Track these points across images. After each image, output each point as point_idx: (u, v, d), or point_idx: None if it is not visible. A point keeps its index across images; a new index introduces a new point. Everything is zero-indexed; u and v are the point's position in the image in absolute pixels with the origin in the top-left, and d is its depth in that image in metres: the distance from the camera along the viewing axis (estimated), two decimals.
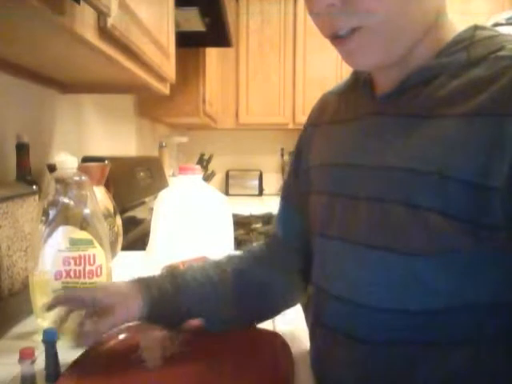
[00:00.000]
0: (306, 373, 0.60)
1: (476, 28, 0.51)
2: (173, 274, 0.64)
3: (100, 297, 0.59)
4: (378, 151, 0.52)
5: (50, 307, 0.59)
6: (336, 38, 0.50)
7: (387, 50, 0.50)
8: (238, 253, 0.71)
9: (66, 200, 0.68)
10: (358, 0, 0.46)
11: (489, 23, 1.76)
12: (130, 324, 0.62)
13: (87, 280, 0.69)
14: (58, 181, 0.68)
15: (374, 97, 0.57)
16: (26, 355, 0.52)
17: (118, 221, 1.10)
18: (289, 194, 0.73)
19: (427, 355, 0.48)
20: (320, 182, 0.62)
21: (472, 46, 0.49)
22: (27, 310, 0.71)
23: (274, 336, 0.65)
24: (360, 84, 0.61)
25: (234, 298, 0.63)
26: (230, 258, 0.69)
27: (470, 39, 0.50)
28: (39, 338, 0.57)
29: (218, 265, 0.66)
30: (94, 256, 0.69)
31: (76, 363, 0.58)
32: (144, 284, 0.61)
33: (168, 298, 0.60)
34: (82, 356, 0.59)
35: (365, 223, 0.52)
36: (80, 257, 0.68)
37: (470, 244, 0.45)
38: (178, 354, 0.60)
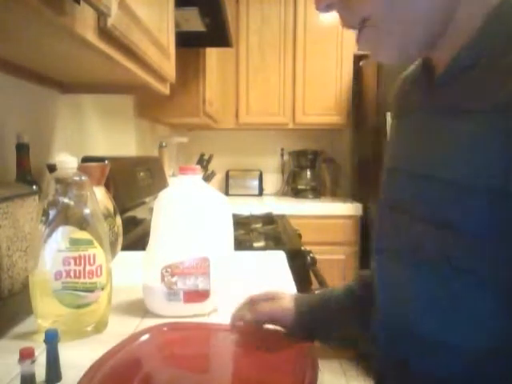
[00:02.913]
0: None
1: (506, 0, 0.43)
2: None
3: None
4: (413, 155, 0.48)
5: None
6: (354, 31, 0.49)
7: (401, 45, 0.47)
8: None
9: (66, 200, 0.68)
10: (352, 3, 0.46)
11: None
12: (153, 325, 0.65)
13: (87, 280, 0.69)
14: (58, 181, 0.68)
15: (431, 85, 0.50)
16: (26, 355, 0.52)
17: (118, 221, 1.10)
18: None
19: None
20: (380, 189, 0.58)
21: (503, 24, 0.42)
22: (27, 310, 0.71)
23: (303, 347, 0.64)
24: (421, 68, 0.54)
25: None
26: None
27: (501, 15, 0.42)
28: (39, 338, 0.57)
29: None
30: (94, 256, 0.69)
31: (93, 366, 0.57)
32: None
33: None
34: (101, 359, 0.59)
35: (404, 239, 0.47)
36: (80, 257, 0.68)
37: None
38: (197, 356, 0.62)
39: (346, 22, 0.48)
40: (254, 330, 0.69)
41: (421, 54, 0.50)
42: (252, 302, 0.70)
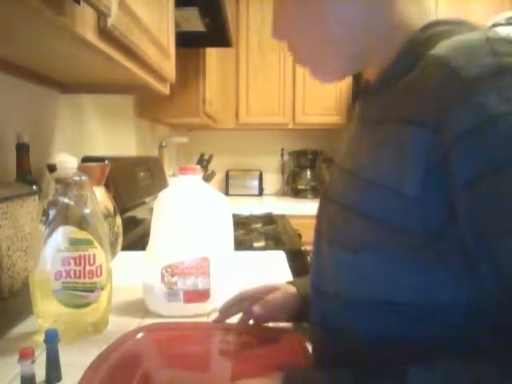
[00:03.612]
0: None
1: (433, 24, 0.49)
2: None
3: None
4: (345, 155, 0.57)
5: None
6: None
7: (320, 67, 0.55)
8: None
9: (66, 200, 0.68)
10: (287, 33, 0.54)
11: (489, 23, 1.76)
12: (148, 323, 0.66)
13: (87, 280, 0.69)
14: (58, 181, 0.68)
15: (365, 98, 0.58)
16: (25, 355, 0.52)
17: (118, 221, 1.11)
18: None
19: None
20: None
21: (420, 46, 0.48)
22: (27, 310, 0.71)
23: (292, 335, 0.66)
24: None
25: None
26: None
27: (420, 39, 0.49)
28: (39, 338, 0.57)
29: None
30: (93, 256, 0.69)
31: (94, 363, 0.58)
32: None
33: None
34: (100, 356, 0.59)
35: (326, 222, 0.56)
36: (80, 257, 0.68)
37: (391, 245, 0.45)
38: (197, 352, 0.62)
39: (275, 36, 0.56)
40: (248, 328, 0.69)
41: (354, 70, 0.56)
42: (246, 297, 0.71)
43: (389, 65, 0.51)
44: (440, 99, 0.41)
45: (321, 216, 0.59)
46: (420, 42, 0.48)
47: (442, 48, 0.44)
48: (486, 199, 0.39)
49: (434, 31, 0.48)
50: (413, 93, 0.45)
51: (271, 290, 0.72)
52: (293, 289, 0.71)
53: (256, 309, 0.67)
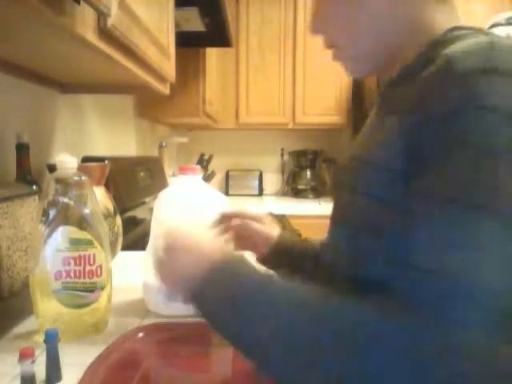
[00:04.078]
0: None
1: (455, 29, 0.52)
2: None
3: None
4: (355, 144, 0.63)
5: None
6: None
7: (360, 64, 0.61)
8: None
9: (66, 200, 0.68)
10: (324, 29, 0.60)
11: (489, 23, 1.76)
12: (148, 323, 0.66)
13: (87, 280, 0.69)
14: (58, 181, 0.68)
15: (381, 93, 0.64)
16: (25, 355, 0.52)
17: (118, 221, 1.10)
18: None
19: None
20: None
21: (438, 47, 0.50)
22: (27, 310, 0.71)
23: None
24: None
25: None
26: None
27: (439, 41, 0.52)
28: (39, 338, 0.57)
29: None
30: (93, 256, 0.69)
31: (93, 364, 0.58)
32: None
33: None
34: (100, 356, 0.59)
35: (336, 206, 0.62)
36: (80, 257, 0.68)
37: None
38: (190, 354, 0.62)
39: (322, 41, 0.62)
40: None
41: (384, 67, 0.61)
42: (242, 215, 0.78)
43: (409, 62, 0.55)
44: (427, 84, 0.46)
45: (333, 204, 0.64)
46: (439, 44, 0.51)
47: (451, 47, 0.46)
48: (438, 170, 0.42)
49: (453, 34, 0.51)
50: (414, 84, 0.49)
51: (264, 221, 0.79)
52: (276, 232, 0.78)
53: (236, 219, 0.77)
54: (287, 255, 0.77)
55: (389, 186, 0.48)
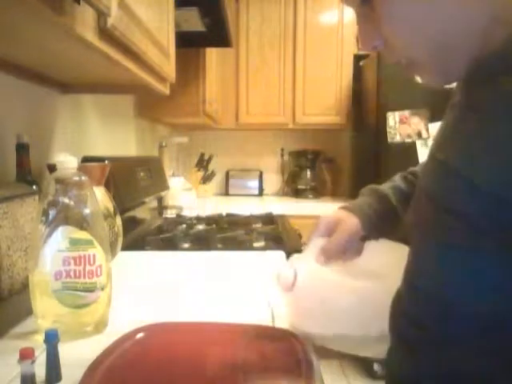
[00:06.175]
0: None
1: None
2: None
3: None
4: (438, 143, 0.55)
5: None
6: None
7: (440, 74, 0.53)
8: None
9: (66, 200, 0.68)
10: (394, 46, 0.52)
11: None
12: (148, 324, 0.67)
13: (87, 280, 0.69)
14: (58, 181, 0.68)
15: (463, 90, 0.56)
16: (26, 355, 0.52)
17: (118, 221, 1.10)
18: None
19: None
20: None
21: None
22: (27, 310, 0.71)
23: (293, 336, 0.65)
24: None
25: None
26: None
27: None
28: (39, 338, 0.57)
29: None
30: (93, 256, 0.69)
31: (94, 364, 0.57)
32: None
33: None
34: (100, 356, 0.59)
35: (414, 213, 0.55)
36: (80, 257, 0.68)
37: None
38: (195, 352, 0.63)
39: (389, 59, 0.55)
40: (248, 328, 0.69)
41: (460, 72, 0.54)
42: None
43: (482, 61, 0.49)
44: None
45: (413, 206, 0.59)
46: None
47: None
48: None
49: None
50: (496, 92, 0.45)
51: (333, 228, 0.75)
52: (354, 221, 0.76)
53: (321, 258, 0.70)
54: (381, 229, 0.77)
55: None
